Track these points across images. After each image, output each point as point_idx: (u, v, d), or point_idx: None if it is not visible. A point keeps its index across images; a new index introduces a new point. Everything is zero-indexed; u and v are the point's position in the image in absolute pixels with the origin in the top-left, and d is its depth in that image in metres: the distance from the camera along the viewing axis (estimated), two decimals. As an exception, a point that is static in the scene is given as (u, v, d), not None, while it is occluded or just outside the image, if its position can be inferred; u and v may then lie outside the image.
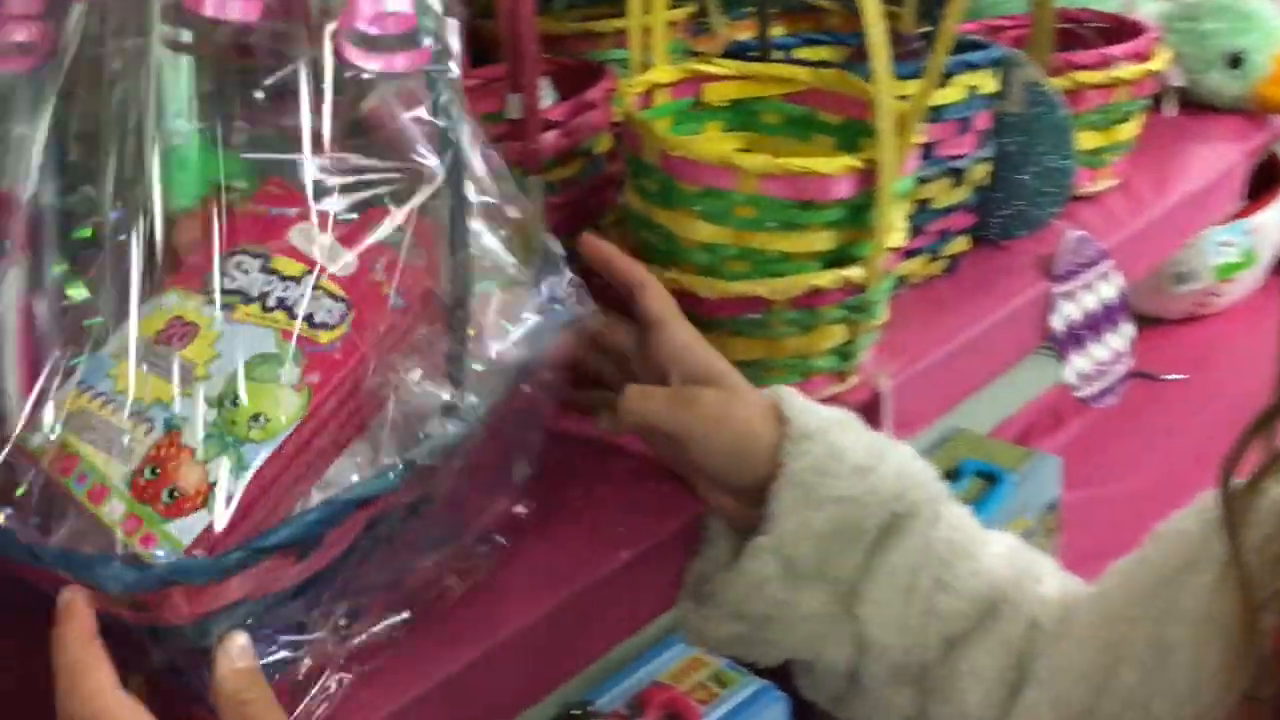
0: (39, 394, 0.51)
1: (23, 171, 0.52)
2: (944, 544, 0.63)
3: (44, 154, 0.52)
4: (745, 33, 1.07)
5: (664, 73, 0.79)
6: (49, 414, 0.51)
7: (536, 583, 0.62)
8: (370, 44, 0.48)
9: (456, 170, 0.52)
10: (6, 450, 0.50)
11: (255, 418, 0.49)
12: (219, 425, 0.49)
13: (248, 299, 0.52)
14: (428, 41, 0.50)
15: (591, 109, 0.82)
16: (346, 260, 0.52)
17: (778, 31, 1.04)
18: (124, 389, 0.50)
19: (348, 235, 0.52)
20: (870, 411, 0.77)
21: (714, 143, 0.81)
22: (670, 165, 0.70)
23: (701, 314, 0.71)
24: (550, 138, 0.79)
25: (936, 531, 0.63)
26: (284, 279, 0.52)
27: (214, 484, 0.48)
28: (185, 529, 0.48)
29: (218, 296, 0.51)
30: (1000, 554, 0.65)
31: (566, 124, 0.80)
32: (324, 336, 0.51)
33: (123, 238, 0.52)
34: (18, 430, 0.51)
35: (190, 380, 0.50)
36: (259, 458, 0.49)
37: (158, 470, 0.49)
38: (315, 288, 0.51)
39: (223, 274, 0.52)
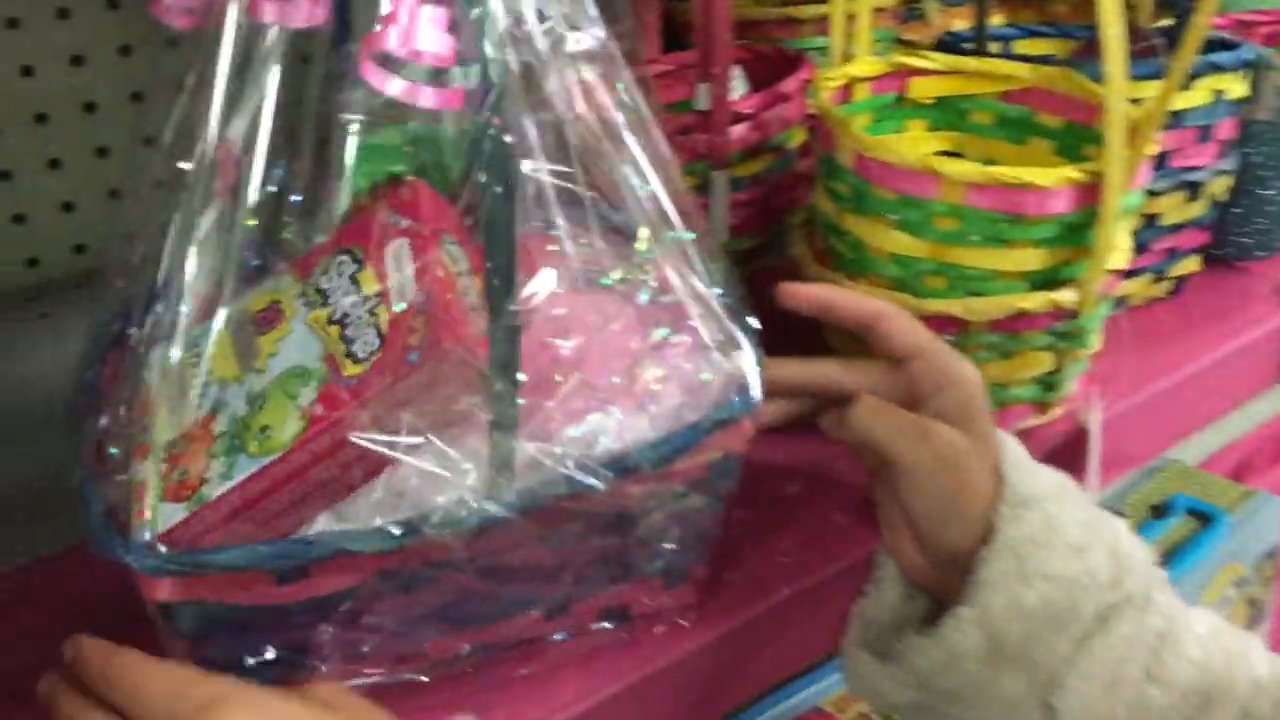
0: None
1: (238, 130, 0.50)
2: (1154, 633, 0.56)
3: (260, 118, 0.49)
4: (960, 21, 1.00)
5: (865, 65, 0.73)
6: (154, 359, 0.50)
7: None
8: (394, 67, 0.42)
9: (502, 235, 0.42)
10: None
11: (263, 429, 0.46)
12: (239, 424, 0.47)
13: (325, 303, 0.49)
14: (467, 83, 0.43)
15: (785, 101, 0.77)
16: (408, 294, 0.47)
17: (996, 21, 0.96)
18: (210, 356, 0.49)
19: (425, 268, 0.47)
20: (1074, 448, 0.70)
21: (916, 142, 0.75)
22: (865, 168, 0.64)
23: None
24: (739, 130, 0.75)
25: (1148, 619, 0.56)
26: (359, 293, 0.48)
27: (205, 481, 0.46)
28: (168, 515, 0.46)
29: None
30: (1206, 637, 0.58)
31: (757, 116, 0.76)
32: (349, 369, 0.46)
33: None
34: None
35: (249, 369, 0.48)
36: (244, 472, 0.46)
37: (185, 447, 0.47)
38: (372, 313, 0.47)
39: (323, 270, 0.49)
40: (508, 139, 0.41)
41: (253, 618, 0.46)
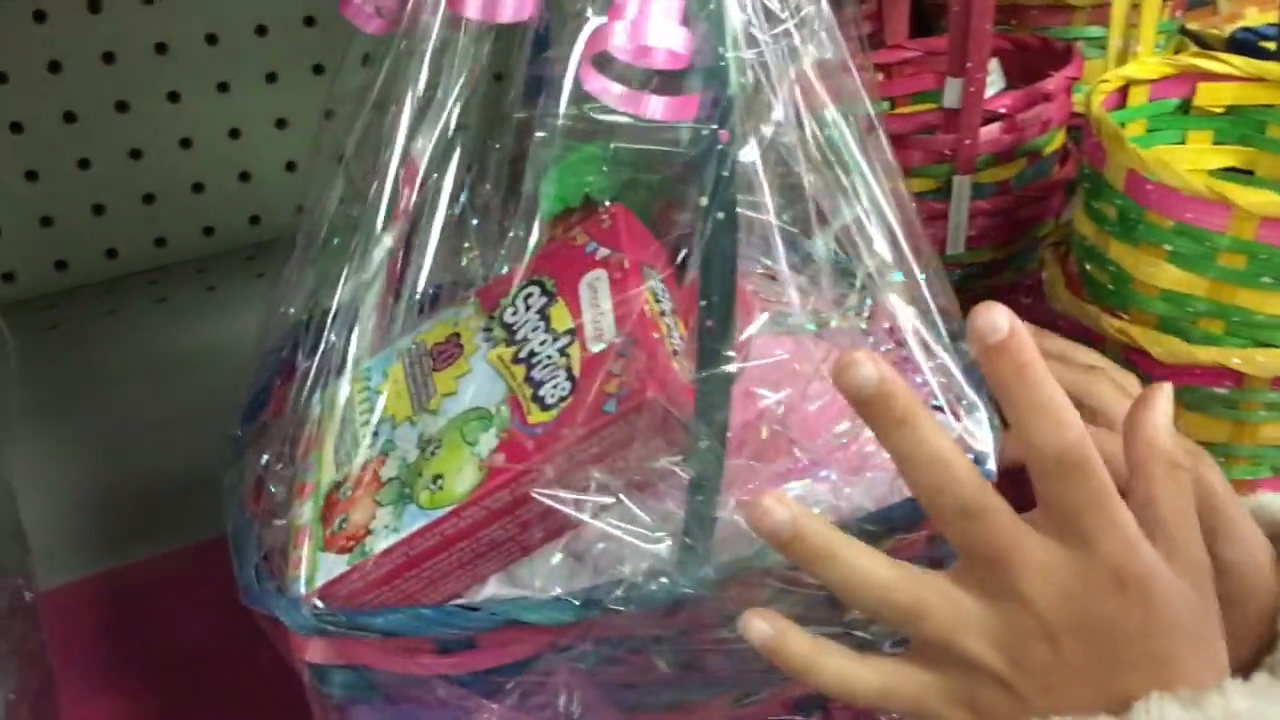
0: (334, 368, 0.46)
1: (426, 148, 0.46)
2: None
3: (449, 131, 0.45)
4: (1254, 10, 0.88)
5: (1146, 66, 0.63)
6: (323, 393, 0.46)
7: None
8: (615, 74, 0.36)
9: (722, 270, 0.35)
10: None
11: (436, 479, 0.41)
12: (410, 470, 0.42)
13: (511, 340, 0.44)
14: (706, 90, 0.35)
15: (1046, 101, 0.68)
16: (606, 334, 0.41)
17: (1299, 13, 0.84)
18: (382, 391, 0.45)
19: (626, 306, 0.41)
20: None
21: (1199, 157, 0.65)
22: (1138, 189, 0.56)
23: (1149, 377, 0.57)
24: (990, 131, 0.67)
25: None
26: (548, 330, 0.43)
27: (370, 532, 0.41)
28: (328, 567, 0.41)
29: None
30: None
31: (1012, 117, 0.67)
32: (535, 415, 0.41)
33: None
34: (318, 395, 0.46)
35: (422, 409, 0.44)
36: (412, 525, 0.41)
37: (349, 491, 0.43)
38: (563, 353, 0.42)
39: (510, 302, 0.44)
40: (741, 158, 0.35)
41: (411, 689, 0.41)
